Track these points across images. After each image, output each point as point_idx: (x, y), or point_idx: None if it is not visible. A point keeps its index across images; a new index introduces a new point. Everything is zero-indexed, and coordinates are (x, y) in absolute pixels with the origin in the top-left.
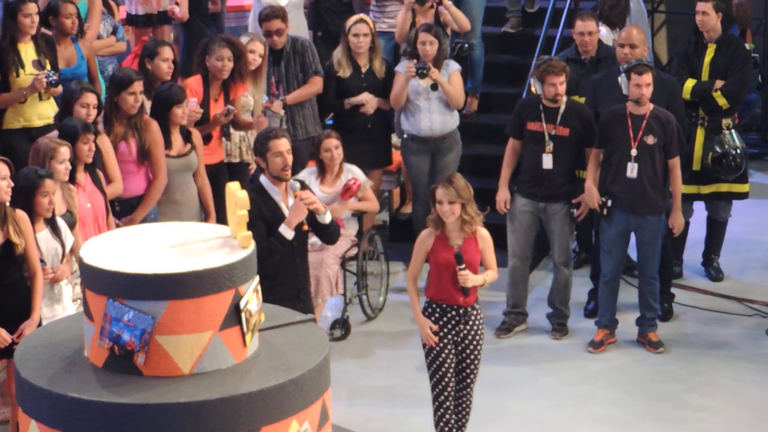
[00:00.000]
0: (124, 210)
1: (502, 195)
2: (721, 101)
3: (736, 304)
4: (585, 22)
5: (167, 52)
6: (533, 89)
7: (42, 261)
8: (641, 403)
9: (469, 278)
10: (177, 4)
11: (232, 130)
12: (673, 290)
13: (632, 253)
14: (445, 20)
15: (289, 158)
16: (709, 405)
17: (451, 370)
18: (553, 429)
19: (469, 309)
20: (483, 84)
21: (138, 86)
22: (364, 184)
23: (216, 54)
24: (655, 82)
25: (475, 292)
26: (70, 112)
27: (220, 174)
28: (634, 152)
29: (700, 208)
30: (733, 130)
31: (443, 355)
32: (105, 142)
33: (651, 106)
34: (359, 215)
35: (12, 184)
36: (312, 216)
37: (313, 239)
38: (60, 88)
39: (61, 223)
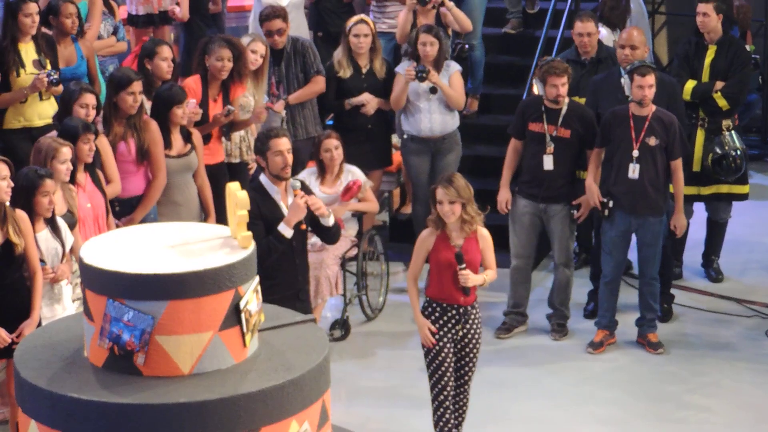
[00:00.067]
0: (123, 210)
1: (503, 195)
2: (722, 102)
3: (735, 305)
4: (584, 23)
5: (166, 51)
6: (535, 90)
7: (42, 261)
8: (641, 403)
9: (469, 278)
10: (177, 4)
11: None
12: (672, 291)
13: (632, 254)
14: (447, 21)
15: (290, 157)
16: (710, 405)
17: (451, 370)
18: (554, 429)
19: (469, 308)
20: (483, 85)
21: (137, 86)
22: (364, 184)
23: (216, 54)
24: (656, 83)
25: (474, 292)
26: (69, 113)
27: (220, 174)
28: (635, 153)
29: (700, 209)
30: (733, 132)
31: (442, 355)
32: (103, 142)
33: (653, 107)
34: (359, 216)
35: (12, 184)
36: (311, 216)
37: (314, 239)
38: (60, 88)
39: (61, 223)
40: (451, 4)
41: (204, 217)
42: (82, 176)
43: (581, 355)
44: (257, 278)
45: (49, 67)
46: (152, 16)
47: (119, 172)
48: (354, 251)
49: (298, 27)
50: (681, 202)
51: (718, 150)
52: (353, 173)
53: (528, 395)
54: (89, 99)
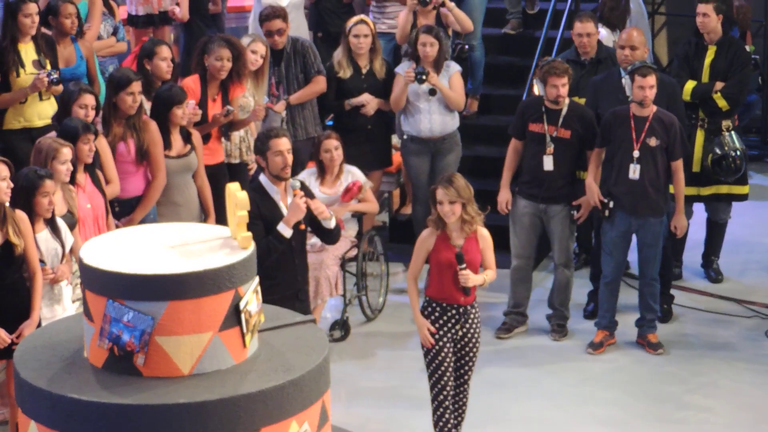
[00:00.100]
0: (123, 211)
1: (503, 196)
2: (721, 103)
3: (735, 306)
4: (584, 24)
5: (165, 52)
6: (535, 91)
7: (42, 261)
8: (641, 404)
9: (470, 278)
10: (177, 4)
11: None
12: (672, 292)
13: (631, 254)
14: (448, 21)
15: (289, 158)
16: (710, 406)
17: (450, 369)
18: (554, 429)
19: (468, 308)
20: (483, 85)
21: (136, 86)
22: (364, 185)
23: (215, 54)
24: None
25: (474, 292)
26: (69, 113)
27: (220, 175)
28: (636, 154)
29: (699, 210)
30: (732, 132)
31: (442, 354)
32: (102, 143)
33: (654, 108)
34: (359, 216)
35: (11, 185)
36: (311, 216)
37: (313, 240)
38: (60, 87)
39: (61, 224)
40: (452, 4)
41: (204, 218)
42: (82, 177)
43: (581, 356)
44: (257, 279)
45: (48, 67)
46: (152, 16)
47: (119, 173)
48: (354, 252)
49: (298, 27)
50: (682, 203)
51: (717, 150)
52: (353, 174)
53: (528, 396)
54: (88, 99)
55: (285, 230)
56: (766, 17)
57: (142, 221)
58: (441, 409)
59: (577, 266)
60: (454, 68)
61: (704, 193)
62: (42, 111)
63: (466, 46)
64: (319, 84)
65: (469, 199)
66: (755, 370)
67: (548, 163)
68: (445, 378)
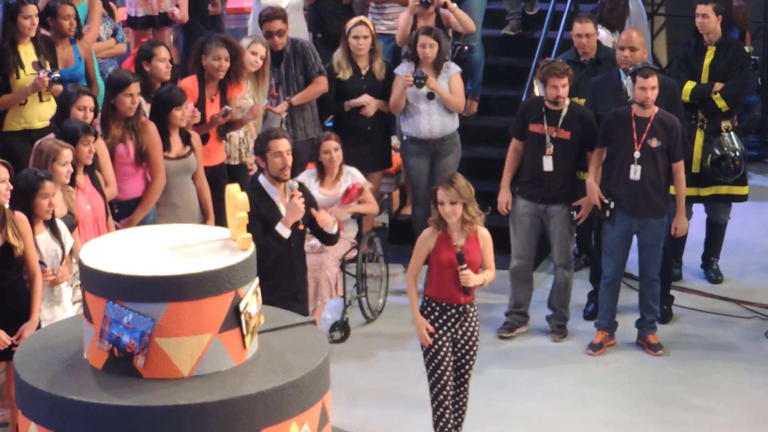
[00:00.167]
0: (122, 212)
1: (504, 196)
2: (721, 103)
3: (735, 306)
4: (583, 24)
5: (164, 52)
6: (536, 91)
7: (42, 263)
8: (642, 404)
9: (470, 278)
10: (177, 6)
11: (231, 132)
12: (672, 292)
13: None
14: (449, 22)
15: (289, 159)
16: (710, 406)
17: (450, 369)
18: (554, 430)
19: (468, 307)
20: (483, 86)
21: (135, 88)
22: (364, 187)
23: (213, 53)
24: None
25: (473, 291)
26: (67, 115)
27: (220, 176)
28: (637, 155)
29: (699, 211)
30: (732, 133)
31: (441, 354)
32: (100, 144)
33: (656, 109)
34: (359, 217)
35: (11, 187)
36: (309, 216)
37: (313, 241)
38: (61, 87)
39: (61, 225)
40: (454, 5)
41: (203, 219)
42: (82, 178)
43: (581, 357)
44: (257, 280)
45: (48, 67)
46: (152, 17)
47: (118, 174)
48: (353, 253)
49: (298, 28)
50: (683, 205)
51: (717, 151)
52: (353, 175)
53: (528, 396)
54: (87, 101)
55: (283, 230)
56: (766, 18)
57: (142, 222)
58: (441, 409)
59: (576, 267)
60: (453, 69)
61: (704, 193)
62: (42, 112)
63: (466, 47)
64: (321, 85)
65: (470, 199)
66: (755, 370)
67: (548, 164)
68: (445, 378)
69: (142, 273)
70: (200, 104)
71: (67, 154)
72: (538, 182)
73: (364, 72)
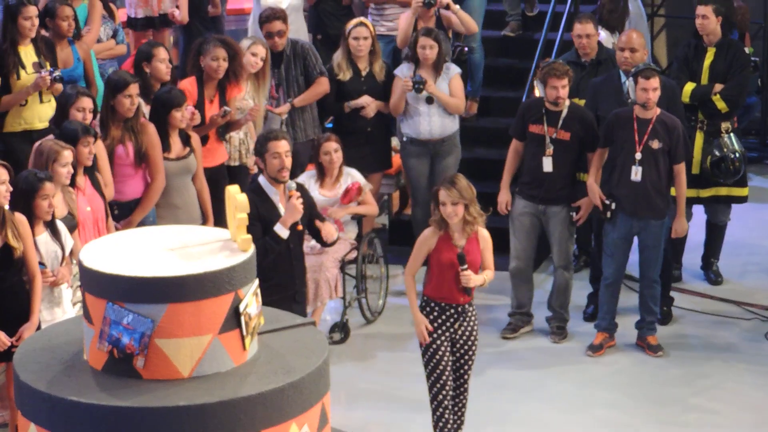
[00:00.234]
0: (122, 213)
1: (503, 197)
2: (721, 105)
3: (735, 308)
4: (583, 25)
5: (163, 53)
6: (536, 92)
7: (42, 264)
8: (642, 406)
9: (471, 278)
10: (177, 7)
11: (232, 133)
12: (672, 294)
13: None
14: (451, 23)
15: (287, 160)
16: (711, 408)
17: (449, 368)
18: (554, 431)
19: (466, 306)
20: (483, 87)
21: (134, 89)
22: (363, 187)
23: (211, 54)
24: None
25: (473, 291)
26: (66, 116)
27: (220, 176)
28: (638, 156)
29: (699, 212)
30: (732, 134)
31: (440, 353)
32: (99, 146)
33: (658, 110)
34: (358, 218)
35: (10, 189)
36: (308, 217)
37: (313, 242)
38: (61, 86)
39: (61, 226)
40: (457, 7)
41: (204, 220)
42: (82, 179)
43: (581, 358)
44: (257, 281)
45: (48, 67)
46: (152, 19)
47: (117, 176)
48: (353, 254)
49: (298, 30)
50: (683, 207)
51: (716, 152)
52: (352, 176)
53: (528, 397)
54: (86, 102)
55: (282, 231)
56: (766, 19)
57: (141, 223)
58: (441, 409)
59: (576, 268)
60: (454, 71)
61: (704, 195)
62: (42, 113)
63: (466, 49)
64: (322, 85)
65: (471, 200)
66: (756, 371)
67: (548, 165)
68: (444, 377)
69: (141, 274)
70: (199, 105)
71: (67, 155)
72: (538, 183)
73: (364, 73)
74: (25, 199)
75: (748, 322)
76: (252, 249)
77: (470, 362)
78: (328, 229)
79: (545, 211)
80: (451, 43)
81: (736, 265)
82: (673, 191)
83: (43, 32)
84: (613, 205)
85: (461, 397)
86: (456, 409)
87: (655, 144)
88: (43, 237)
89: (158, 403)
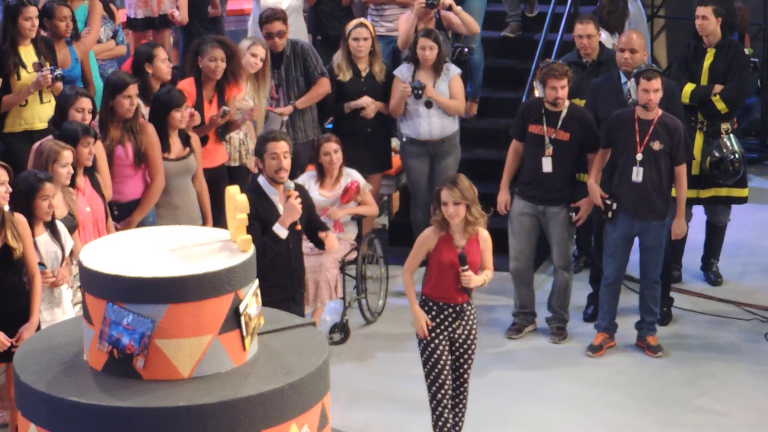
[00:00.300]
0: (122, 214)
1: (503, 197)
2: (720, 105)
3: (734, 308)
4: (584, 25)
5: (163, 53)
6: (536, 93)
7: (42, 264)
8: (642, 406)
9: (472, 279)
10: (177, 7)
11: (232, 134)
12: (672, 294)
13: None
14: (450, 24)
15: (285, 161)
16: (711, 408)
17: (448, 368)
18: (555, 431)
19: (465, 305)
20: (483, 88)
21: (133, 89)
22: (363, 187)
23: (208, 55)
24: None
25: (472, 290)
26: (65, 117)
27: (220, 177)
28: (639, 157)
29: (699, 213)
30: (731, 135)
31: (438, 352)
32: (98, 147)
33: (659, 111)
34: (358, 219)
35: (10, 189)
36: (307, 217)
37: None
38: (60, 85)
39: (61, 227)
40: (459, 8)
41: (204, 221)
42: (82, 180)
43: (581, 359)
44: (257, 282)
45: (49, 65)
46: (151, 19)
47: (117, 176)
48: (353, 255)
49: (297, 30)
50: (683, 208)
51: (716, 153)
52: (352, 177)
53: (528, 398)
54: (85, 103)
55: (281, 231)
56: (765, 20)
57: (141, 224)
58: (440, 408)
59: (576, 269)
60: (454, 71)
61: (703, 195)
62: (42, 114)
63: (466, 49)
64: (324, 86)
65: (473, 200)
66: (756, 371)
67: (547, 165)
68: (443, 377)
69: (141, 274)
70: (198, 106)
71: (67, 155)
72: (538, 183)
73: (364, 74)
74: (25, 199)
75: (747, 322)
76: (252, 249)
77: (469, 362)
78: (332, 243)
79: (545, 211)
80: (450, 43)
81: (736, 265)
82: (673, 192)
83: (42, 32)
84: (614, 205)
85: (461, 397)
86: (456, 409)
87: (656, 145)
88: (43, 237)
89: (158, 404)
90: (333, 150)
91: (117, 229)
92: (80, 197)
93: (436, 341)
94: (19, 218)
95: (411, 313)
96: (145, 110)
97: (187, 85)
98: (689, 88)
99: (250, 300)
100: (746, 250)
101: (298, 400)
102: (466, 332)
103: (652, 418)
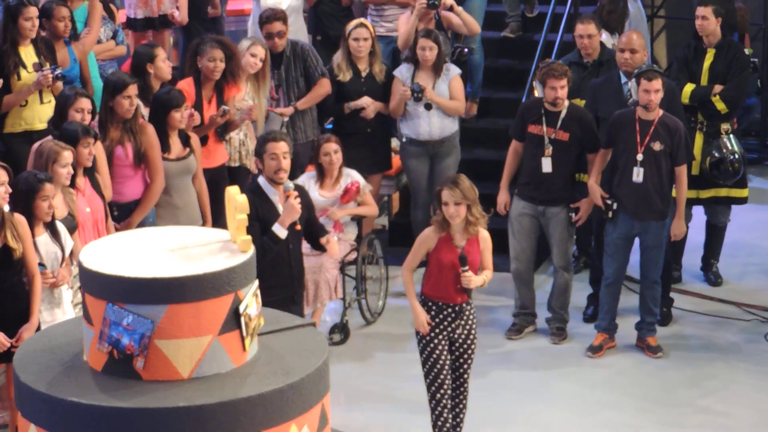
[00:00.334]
0: (122, 214)
1: (503, 197)
2: (720, 106)
3: (734, 309)
4: (585, 25)
5: (162, 52)
6: (536, 93)
7: (42, 265)
8: (643, 406)
9: (472, 280)
10: (177, 8)
11: (232, 134)
12: (672, 295)
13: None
14: (450, 24)
15: (285, 162)
16: (711, 408)
17: (447, 367)
18: (554, 431)
19: (464, 306)
20: (482, 88)
21: (132, 90)
22: (363, 188)
23: (207, 55)
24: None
25: (471, 290)
26: (65, 117)
27: (220, 178)
28: (639, 157)
29: (699, 213)
30: (731, 135)
31: (437, 352)
32: (98, 147)
33: (660, 112)
34: (358, 220)
35: (10, 190)
36: (307, 218)
37: None
38: (61, 84)
39: (61, 227)
40: (460, 9)
41: (204, 221)
42: (81, 180)
43: (581, 359)
44: (257, 282)
45: (49, 65)
46: (151, 19)
47: (117, 177)
48: (353, 255)
49: (297, 30)
50: (683, 209)
51: (715, 153)
52: (352, 177)
53: (528, 398)
54: (84, 103)
55: (280, 231)
56: (765, 20)
57: (141, 224)
58: (439, 408)
59: (576, 269)
60: (454, 71)
61: (703, 196)
62: (42, 114)
63: (465, 50)
64: (324, 87)
65: (474, 200)
66: (756, 371)
67: (546, 165)
68: (442, 376)
69: (141, 275)
70: (197, 106)
71: (67, 155)
72: (537, 183)
73: (364, 74)
74: (25, 200)
75: (747, 323)
76: (252, 250)
77: (469, 361)
78: (333, 249)
79: (544, 212)
80: (450, 44)
81: (736, 266)
82: (674, 192)
83: (41, 33)
84: (615, 205)
85: (461, 397)
86: (457, 409)
87: (657, 146)
88: (43, 238)
89: (158, 404)
90: (333, 150)
91: (117, 230)
92: (80, 198)
93: (436, 341)
94: (19, 219)
95: (411, 311)
96: (145, 111)
97: (186, 85)
98: (689, 88)
99: (250, 300)
100: (746, 251)
101: (298, 400)
102: (465, 332)
103: (652, 419)
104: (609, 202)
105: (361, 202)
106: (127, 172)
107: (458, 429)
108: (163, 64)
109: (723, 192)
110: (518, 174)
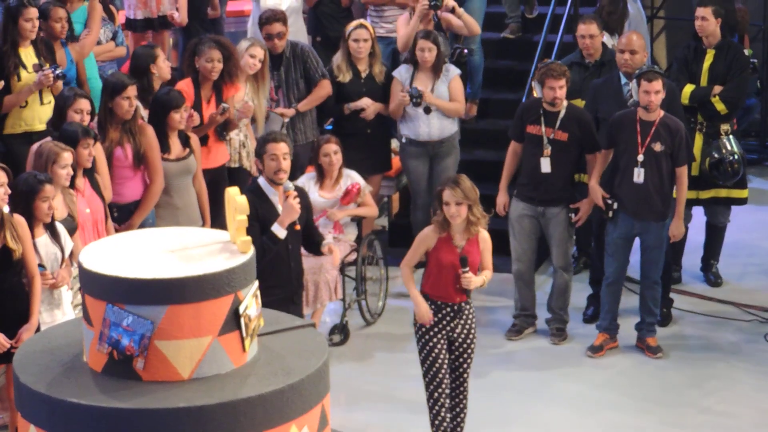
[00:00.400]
0: (122, 215)
1: (502, 198)
2: (720, 106)
3: (734, 309)
4: (587, 26)
5: (162, 53)
6: (535, 93)
7: (42, 266)
8: (643, 407)
9: (472, 281)
10: (176, 9)
11: (232, 134)
12: (671, 295)
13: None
14: (450, 25)
15: (285, 163)
16: (711, 409)
17: (446, 367)
18: (554, 431)
19: (463, 305)
20: (482, 89)
21: (132, 91)
22: (363, 188)
23: (205, 55)
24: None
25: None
26: (64, 118)
27: (220, 178)
28: (640, 158)
29: (699, 214)
30: (731, 136)
31: (436, 351)
32: (97, 148)
33: (661, 112)
34: (358, 220)
35: (9, 191)
36: (306, 218)
37: None
38: (61, 84)
39: (61, 228)
40: (461, 10)
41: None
42: (81, 181)
43: (581, 360)
44: (256, 283)
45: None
46: (151, 20)
47: (116, 178)
48: (353, 256)
49: (297, 31)
50: (682, 210)
51: (715, 154)
52: (352, 178)
53: (528, 398)
54: (83, 104)
55: (279, 231)
56: (765, 21)
57: (141, 225)
58: (437, 407)
59: (576, 270)
60: (453, 72)
61: (703, 196)
62: (42, 115)
63: (465, 51)
64: (325, 88)
65: (475, 200)
66: (756, 372)
67: (545, 165)
68: (440, 376)
69: (141, 276)
70: (196, 106)
71: (67, 156)
72: (536, 184)
73: (363, 75)
74: (25, 201)
75: (747, 323)
76: (252, 251)
77: (469, 361)
78: (336, 258)
79: (544, 212)
80: (449, 45)
81: (736, 266)
82: (674, 193)
83: (40, 33)
84: (615, 205)
85: (461, 397)
86: (457, 409)
87: (658, 146)
88: (43, 239)
89: (158, 405)
90: (333, 151)
91: (117, 231)
92: (80, 198)
93: (434, 340)
94: (19, 219)
95: (411, 311)
96: (144, 112)
97: (185, 85)
98: (689, 89)
99: (250, 301)
100: (746, 251)
101: (298, 401)
102: (464, 332)
103: (652, 419)
104: (609, 201)
105: (361, 203)
106: (126, 173)
107: (459, 429)
108: (163, 65)
109: (723, 193)
110: (517, 175)
